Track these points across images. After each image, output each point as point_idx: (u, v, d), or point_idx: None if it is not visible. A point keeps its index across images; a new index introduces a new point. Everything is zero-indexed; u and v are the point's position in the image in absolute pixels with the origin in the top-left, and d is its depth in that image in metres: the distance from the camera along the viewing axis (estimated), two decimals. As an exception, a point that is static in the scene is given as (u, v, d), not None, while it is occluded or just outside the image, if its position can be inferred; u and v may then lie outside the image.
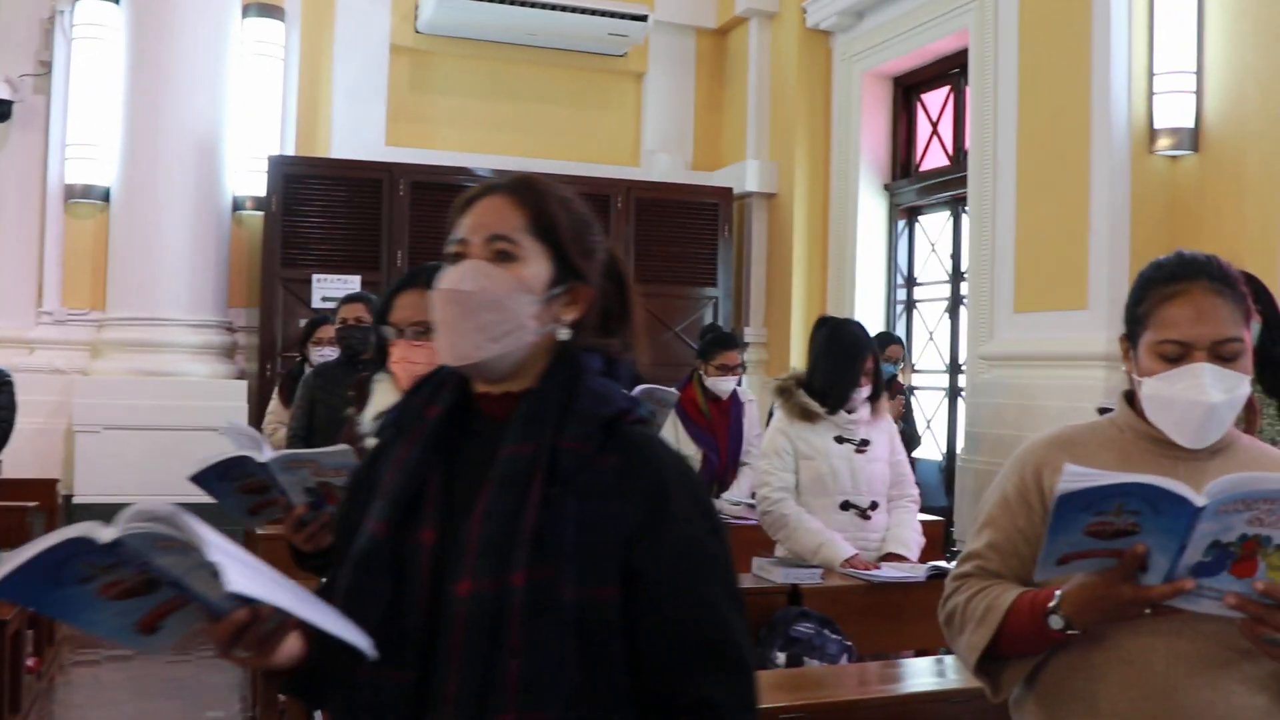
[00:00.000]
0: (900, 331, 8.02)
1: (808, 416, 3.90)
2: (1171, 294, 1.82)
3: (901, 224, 8.11)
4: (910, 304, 8.10)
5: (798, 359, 8.09)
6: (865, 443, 3.93)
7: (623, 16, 8.28)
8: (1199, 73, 5.62)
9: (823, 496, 3.87)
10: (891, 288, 8.12)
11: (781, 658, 3.29)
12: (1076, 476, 1.49)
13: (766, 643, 3.36)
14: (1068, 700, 1.78)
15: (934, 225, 7.92)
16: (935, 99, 7.90)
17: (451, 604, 1.34)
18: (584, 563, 1.33)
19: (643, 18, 8.32)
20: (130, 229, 7.50)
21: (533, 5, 8.09)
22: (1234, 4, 5.44)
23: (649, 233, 8.24)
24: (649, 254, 8.20)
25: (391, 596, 1.38)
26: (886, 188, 8.08)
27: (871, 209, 8.08)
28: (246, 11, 7.88)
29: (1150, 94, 5.70)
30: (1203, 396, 1.75)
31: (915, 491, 4.10)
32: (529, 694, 1.29)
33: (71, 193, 7.64)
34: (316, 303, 7.56)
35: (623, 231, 8.15)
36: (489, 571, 1.33)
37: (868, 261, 8.08)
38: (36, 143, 7.73)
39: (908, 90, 8.08)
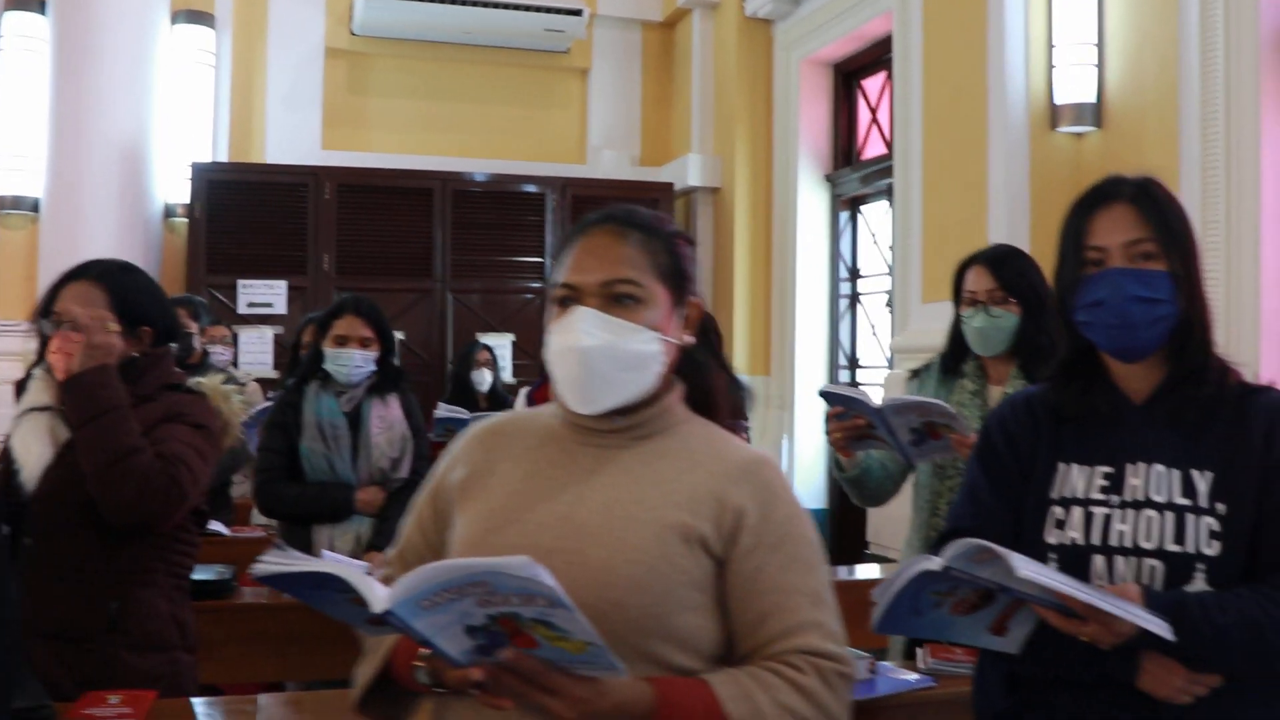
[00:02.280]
0: (845, 326, 7.78)
1: None
2: (574, 241, 1.66)
3: (845, 215, 7.85)
4: (855, 298, 7.83)
5: (741, 358, 7.88)
6: None
7: (558, 11, 8.12)
8: (1100, 44, 5.33)
9: None
10: (835, 281, 7.86)
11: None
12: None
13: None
14: None
15: (876, 215, 7.65)
16: (875, 85, 7.64)
17: None
18: None
19: (578, 12, 8.15)
20: (58, 239, 7.47)
21: (465, 3, 7.96)
22: (1126, -32, 5.16)
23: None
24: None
25: None
26: (828, 178, 7.83)
27: (813, 201, 7.83)
28: (176, 18, 7.84)
29: (1050, 68, 5.42)
30: (574, 341, 1.55)
31: None
32: None
33: (3, 204, 7.65)
34: (243, 308, 7.52)
35: (559, 230, 8.00)
36: None
37: (810, 255, 7.82)
38: (-29, 155, 7.77)
39: (848, 77, 7.83)
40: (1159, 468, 1.76)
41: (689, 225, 8.48)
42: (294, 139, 8.12)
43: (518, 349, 7.86)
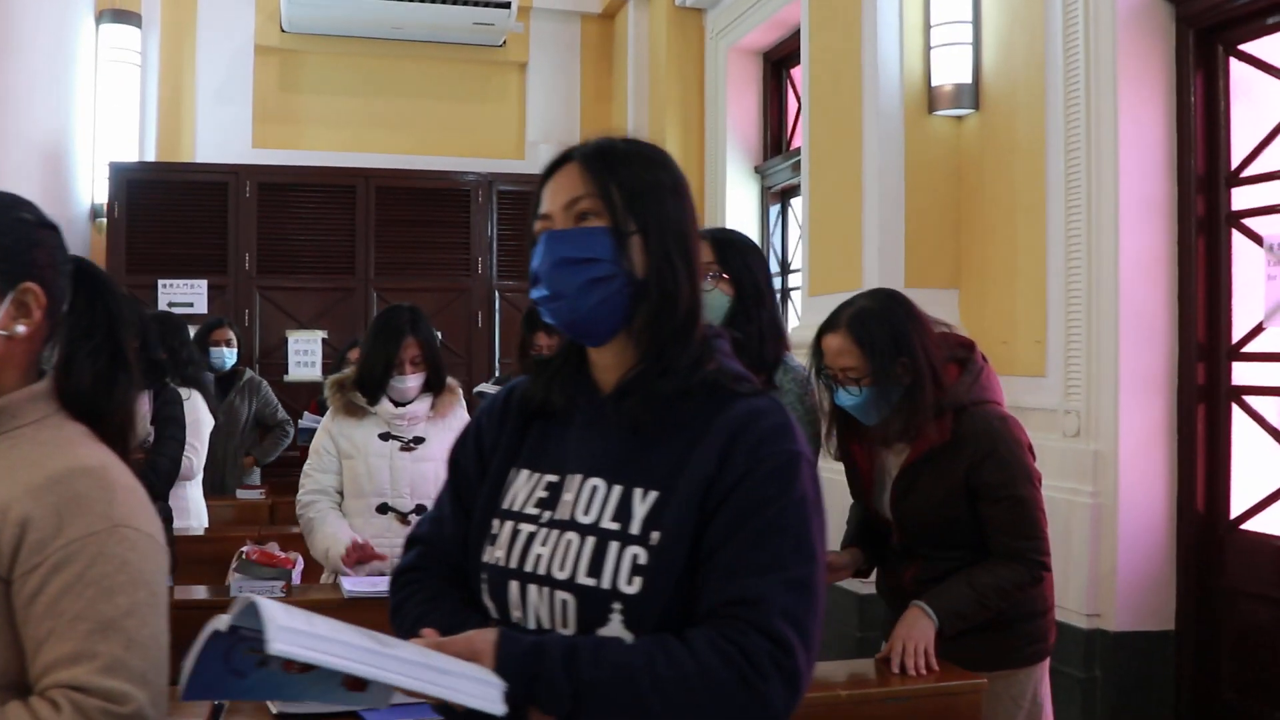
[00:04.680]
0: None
1: (353, 412, 3.58)
2: None
3: (776, 208, 7.66)
4: (785, 292, 7.63)
5: (675, 353, 7.70)
6: (419, 440, 3.58)
7: (485, 4, 8.00)
8: (976, 23, 5.12)
9: (358, 498, 3.56)
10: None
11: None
12: None
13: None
14: None
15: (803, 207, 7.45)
16: (801, 74, 7.43)
17: None
18: None
19: (505, 4, 8.03)
20: (-19, 239, 7.49)
21: (388, -3, 7.88)
22: (995, -56, 4.95)
23: (512, 228, 7.94)
24: (513, 250, 7.92)
25: None
26: (758, 170, 7.65)
27: (743, 193, 7.67)
28: (101, 18, 7.83)
29: (928, 49, 5.22)
30: None
31: None
32: None
33: (-74, 205, 7.68)
34: (163, 308, 7.47)
35: (485, 228, 7.89)
36: None
37: (740, 248, 7.63)
38: (-98, 158, 7.82)
39: (776, 65, 7.64)
40: (596, 482, 1.47)
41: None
42: (224, 137, 8.08)
43: (445, 347, 7.74)
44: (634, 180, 1.51)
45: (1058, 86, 4.58)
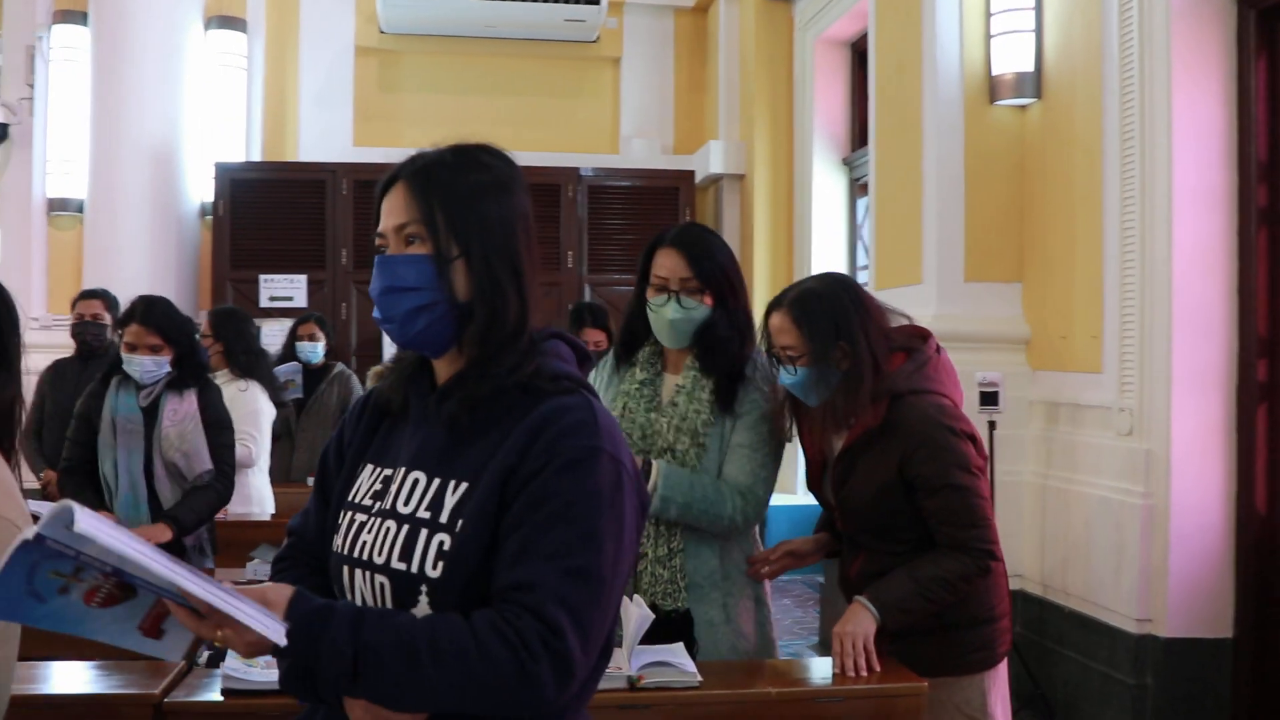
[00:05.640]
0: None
1: None
2: None
3: (864, 200, 7.56)
4: (871, 285, 7.53)
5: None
6: None
7: (575, 1, 8.08)
8: (1038, 9, 4.98)
9: None
10: (854, 268, 7.58)
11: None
12: None
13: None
14: None
15: (891, 199, 7.34)
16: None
17: None
18: None
19: (595, 0, 8.09)
20: (97, 237, 7.89)
21: (480, -4, 8.02)
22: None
23: (602, 222, 8.01)
24: (602, 243, 7.99)
25: None
26: (845, 161, 7.56)
27: (829, 184, 7.59)
28: (209, 24, 8.16)
29: (988, 36, 5.09)
30: None
31: None
32: None
33: (53, 205, 8.11)
34: (264, 302, 7.75)
35: (574, 221, 7.97)
36: None
37: (827, 240, 7.58)
38: (29, 160, 8.26)
39: (862, 55, 7.53)
40: (418, 474, 1.55)
41: (716, 214, 8.32)
42: (326, 137, 8.34)
43: (535, 340, 7.86)
44: (457, 198, 1.56)
45: (1113, 73, 4.43)
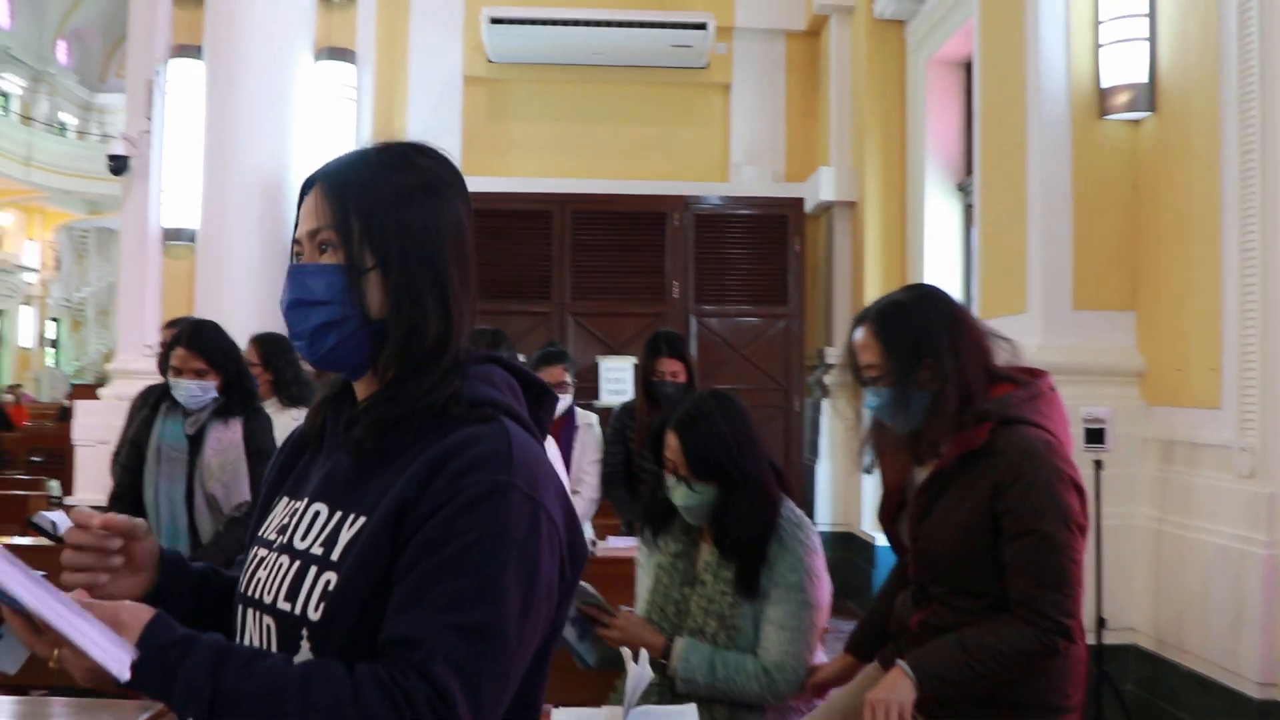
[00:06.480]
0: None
1: None
2: None
3: (977, 227, 7.20)
4: (989, 315, 7.16)
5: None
6: None
7: (682, 26, 7.92)
8: (1152, 15, 4.63)
9: None
10: (969, 298, 7.22)
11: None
12: None
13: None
14: None
15: (1008, 225, 6.97)
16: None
17: None
18: None
19: (701, 26, 7.92)
20: (208, 267, 8.00)
21: (586, 24, 7.91)
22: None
23: (709, 252, 7.81)
24: (709, 273, 7.79)
25: None
26: (960, 186, 7.22)
27: (943, 211, 7.25)
28: (320, 56, 8.23)
29: (1096, 47, 4.76)
30: None
31: None
32: None
33: (168, 235, 8.27)
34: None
35: (680, 250, 7.78)
36: None
37: (941, 268, 7.24)
38: (147, 192, 8.46)
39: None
40: (319, 506, 1.40)
41: (827, 242, 8.05)
42: (434, 166, 8.31)
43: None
44: (376, 202, 1.40)
45: (1232, 82, 4.07)
